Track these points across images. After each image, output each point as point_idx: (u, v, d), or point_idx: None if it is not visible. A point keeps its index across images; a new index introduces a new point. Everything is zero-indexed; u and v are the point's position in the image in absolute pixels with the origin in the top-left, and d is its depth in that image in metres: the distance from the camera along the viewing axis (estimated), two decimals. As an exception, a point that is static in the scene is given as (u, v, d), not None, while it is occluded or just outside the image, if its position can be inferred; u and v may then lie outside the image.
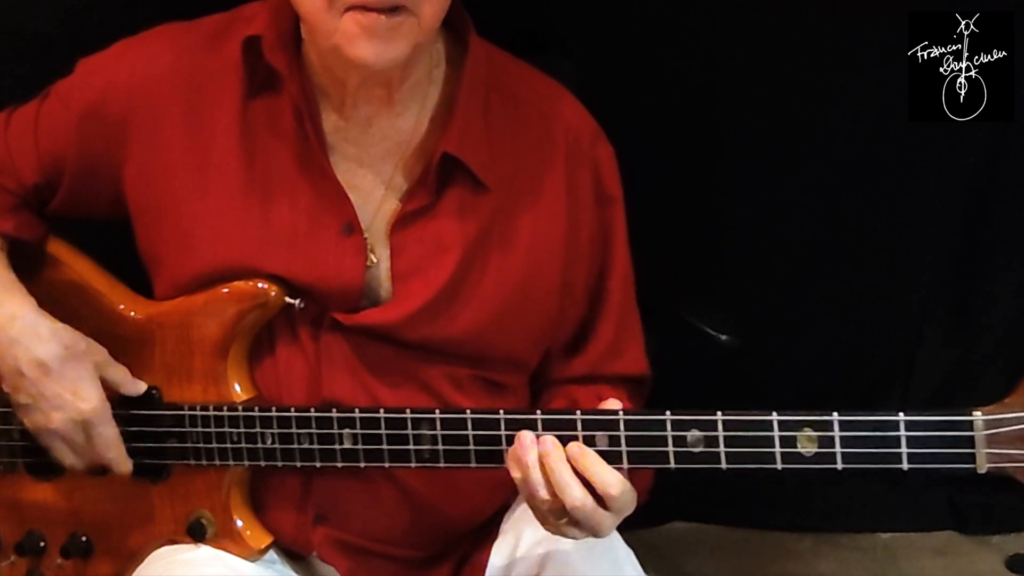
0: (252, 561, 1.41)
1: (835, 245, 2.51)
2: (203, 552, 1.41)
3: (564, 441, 1.25)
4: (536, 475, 1.24)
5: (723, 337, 1.86)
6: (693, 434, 1.24)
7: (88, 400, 1.37)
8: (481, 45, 1.42)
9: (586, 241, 1.44)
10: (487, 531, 1.46)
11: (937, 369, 2.63)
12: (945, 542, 2.55)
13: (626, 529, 1.39)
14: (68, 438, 1.38)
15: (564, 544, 1.37)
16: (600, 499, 1.23)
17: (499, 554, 1.43)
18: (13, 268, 1.45)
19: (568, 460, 1.23)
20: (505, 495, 1.45)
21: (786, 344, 2.52)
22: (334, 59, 1.31)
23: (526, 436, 1.25)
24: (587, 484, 1.23)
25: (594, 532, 1.25)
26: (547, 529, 1.28)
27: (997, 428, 1.19)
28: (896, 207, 2.49)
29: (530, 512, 1.30)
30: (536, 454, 1.24)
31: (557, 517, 1.25)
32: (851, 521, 2.57)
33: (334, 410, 1.35)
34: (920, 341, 2.62)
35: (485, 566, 1.43)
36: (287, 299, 1.37)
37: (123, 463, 1.41)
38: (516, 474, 1.26)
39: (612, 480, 1.23)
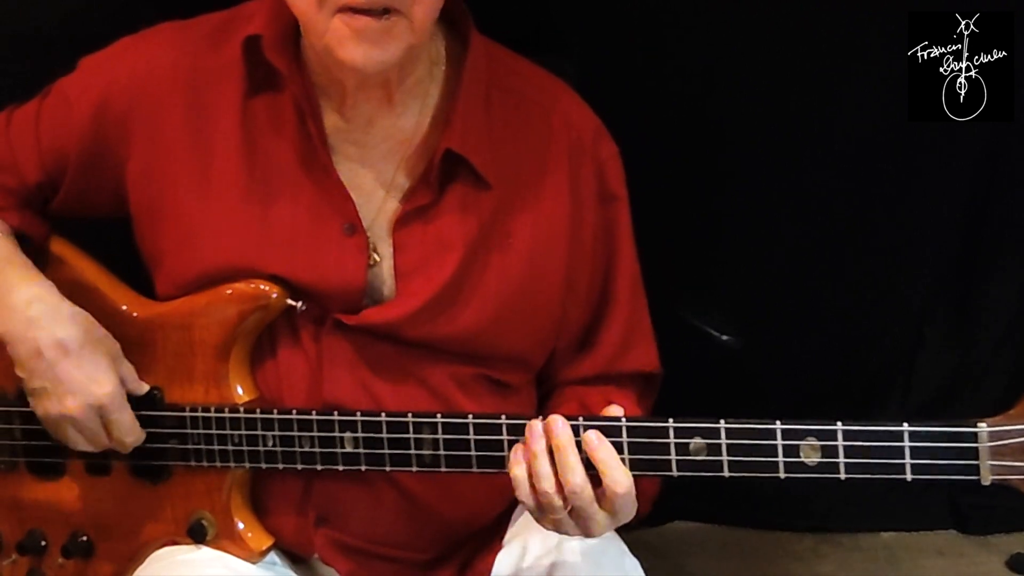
0: (253, 563, 1.41)
1: (835, 245, 2.51)
2: (204, 553, 1.41)
3: None
4: (543, 464, 1.24)
5: (724, 337, 1.86)
6: (696, 442, 1.24)
7: (104, 385, 1.36)
8: (482, 42, 1.42)
9: (589, 239, 1.44)
10: (490, 535, 1.46)
11: (938, 370, 2.63)
12: (946, 542, 2.55)
13: (627, 529, 1.39)
14: (81, 424, 1.37)
15: (571, 554, 1.38)
16: (601, 495, 1.23)
17: (505, 562, 1.43)
18: None
19: (585, 446, 1.24)
20: (507, 499, 1.44)
21: (787, 344, 2.52)
22: (329, 59, 1.31)
23: (537, 425, 1.26)
24: (592, 476, 1.23)
25: (586, 529, 1.26)
26: (542, 524, 1.28)
27: (1001, 440, 1.18)
28: (896, 207, 2.48)
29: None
30: (545, 443, 1.24)
31: (556, 509, 1.24)
32: (852, 521, 2.57)
33: (335, 413, 1.35)
34: (920, 342, 2.62)
35: (489, 571, 1.43)
36: (289, 301, 1.37)
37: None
38: (517, 471, 1.25)
39: (621, 479, 1.23)
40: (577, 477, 1.23)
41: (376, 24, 1.25)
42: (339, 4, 1.24)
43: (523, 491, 1.25)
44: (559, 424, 1.25)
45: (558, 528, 1.27)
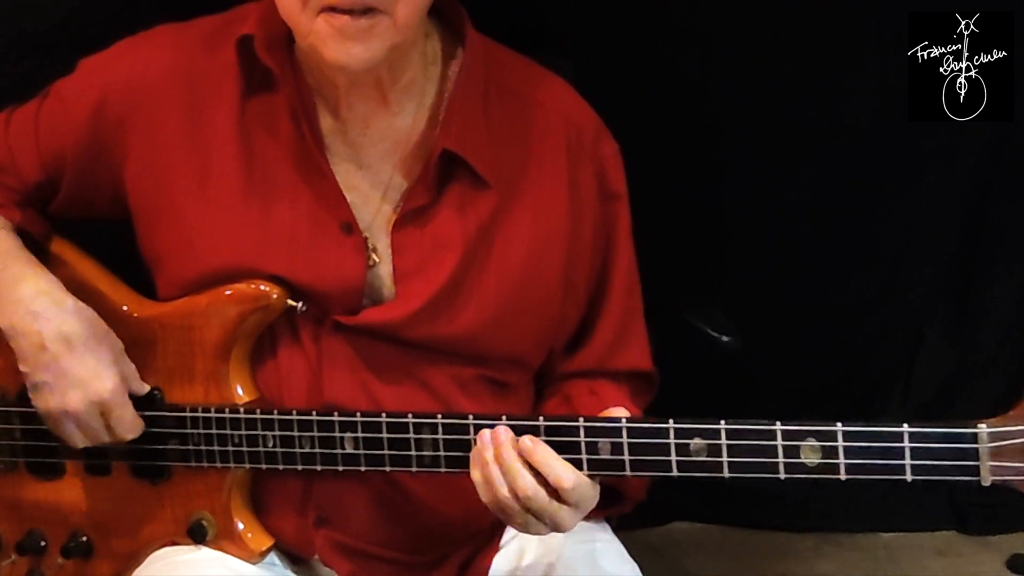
0: (253, 563, 1.41)
1: (835, 245, 2.52)
2: (203, 554, 1.41)
3: (561, 447, 1.25)
4: (495, 471, 1.24)
5: (724, 338, 1.85)
6: (696, 442, 1.24)
7: (106, 381, 1.36)
8: (478, 40, 1.41)
9: (588, 237, 1.44)
10: (489, 536, 1.46)
11: (938, 369, 2.64)
12: (946, 542, 2.56)
13: (626, 529, 1.40)
14: (83, 420, 1.37)
15: (570, 557, 1.38)
16: (554, 492, 1.23)
17: (503, 563, 1.43)
18: None
19: (520, 455, 1.24)
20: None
21: (787, 345, 2.53)
22: (317, 59, 1.31)
23: (486, 434, 1.26)
24: (542, 477, 1.23)
25: (555, 526, 1.26)
26: (512, 526, 1.28)
27: (1002, 441, 1.18)
28: (896, 207, 2.49)
29: None
30: (492, 451, 1.25)
31: (518, 513, 1.25)
32: (852, 521, 2.57)
33: (336, 413, 1.35)
34: (920, 341, 2.63)
35: (487, 571, 1.44)
36: (289, 302, 1.37)
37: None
38: (476, 475, 1.26)
39: (564, 473, 1.23)
40: (527, 482, 1.23)
41: (357, 23, 1.24)
42: (322, 4, 1.24)
43: (484, 496, 1.26)
44: (500, 435, 1.25)
45: (526, 529, 1.27)
